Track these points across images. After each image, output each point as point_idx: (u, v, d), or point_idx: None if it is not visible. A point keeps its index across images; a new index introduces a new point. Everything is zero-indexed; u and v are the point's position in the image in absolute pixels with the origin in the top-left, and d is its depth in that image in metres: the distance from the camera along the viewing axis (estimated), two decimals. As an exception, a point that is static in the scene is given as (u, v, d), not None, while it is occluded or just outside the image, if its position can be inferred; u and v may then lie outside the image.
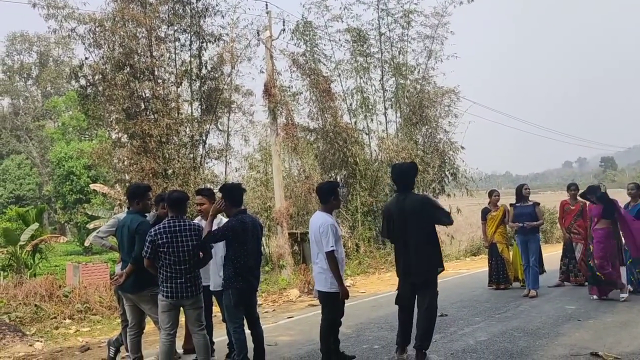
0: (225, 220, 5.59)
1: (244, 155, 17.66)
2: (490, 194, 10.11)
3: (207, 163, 14.92)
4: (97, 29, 13.11)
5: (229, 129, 15.65)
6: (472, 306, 8.32)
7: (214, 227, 5.33)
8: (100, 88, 13.31)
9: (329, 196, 5.49)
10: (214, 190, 6.35)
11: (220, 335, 6.43)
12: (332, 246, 5.23)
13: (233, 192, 5.42)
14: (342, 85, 18.00)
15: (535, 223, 8.92)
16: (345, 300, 5.47)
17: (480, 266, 12.79)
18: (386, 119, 18.16)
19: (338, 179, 17.56)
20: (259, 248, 5.43)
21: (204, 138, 14.55)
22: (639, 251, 8.84)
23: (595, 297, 8.37)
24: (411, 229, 5.44)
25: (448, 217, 5.67)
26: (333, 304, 5.38)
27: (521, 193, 9.18)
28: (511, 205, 9.43)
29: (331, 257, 5.24)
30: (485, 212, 9.99)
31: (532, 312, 7.62)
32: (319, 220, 5.39)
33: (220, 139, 15.49)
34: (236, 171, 17.04)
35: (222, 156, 15.17)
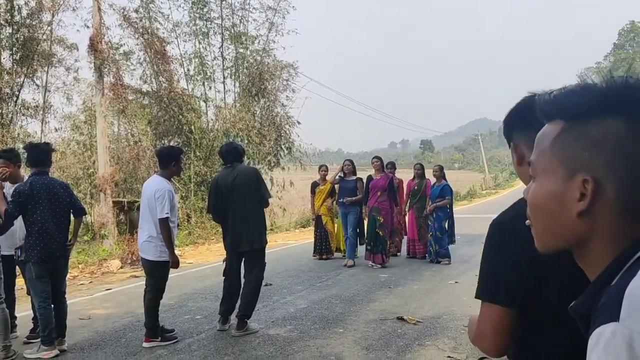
0: None
1: (66, 114, 16.14)
2: (319, 168, 10.55)
3: (19, 121, 13.35)
4: None
5: (48, 85, 14.15)
6: (296, 275, 8.64)
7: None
8: None
9: (169, 161, 5.26)
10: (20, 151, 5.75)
11: (25, 310, 5.86)
12: (167, 213, 5.03)
13: (33, 151, 5.02)
14: (179, 49, 17.28)
15: (354, 198, 9.46)
16: (171, 271, 5.32)
17: (308, 237, 13.31)
18: (224, 88, 17.89)
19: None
20: (60, 212, 4.97)
21: (16, 92, 12.96)
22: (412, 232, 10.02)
23: (371, 264, 9.16)
24: (242, 199, 5.43)
25: (267, 198, 5.77)
26: (161, 274, 5.19)
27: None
28: (339, 176, 9.95)
29: (165, 224, 5.05)
30: (314, 186, 10.39)
31: (350, 281, 8.14)
32: (156, 184, 5.13)
33: (36, 95, 13.94)
34: (56, 131, 15.54)
35: (38, 114, 13.67)
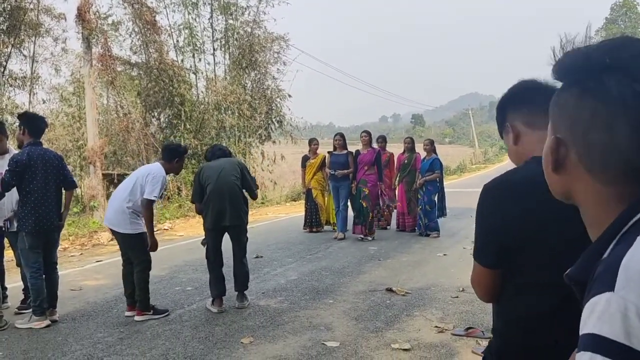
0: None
1: (54, 86, 15.92)
2: (310, 142, 10.49)
3: (6, 92, 13.15)
4: None
5: (36, 55, 13.91)
6: (287, 248, 8.68)
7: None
8: None
9: (173, 157, 5.29)
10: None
11: (15, 281, 5.87)
12: (155, 196, 5.05)
13: (34, 121, 5.05)
14: (168, 19, 17.02)
15: (345, 171, 9.44)
16: (162, 243, 5.33)
17: (298, 210, 13.35)
18: (214, 60, 17.70)
19: (162, 119, 16.79)
20: (55, 183, 4.97)
21: (3, 63, 12.74)
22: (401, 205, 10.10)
23: (361, 237, 9.20)
24: (229, 180, 5.40)
25: (254, 190, 5.80)
26: (139, 245, 5.16)
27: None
28: (329, 152, 9.92)
29: (149, 206, 5.06)
30: (304, 160, 10.37)
31: (340, 253, 8.20)
32: (156, 169, 5.15)
33: (24, 66, 13.71)
34: (43, 103, 15.34)
35: (26, 85, 13.47)
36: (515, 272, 1.44)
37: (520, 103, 1.54)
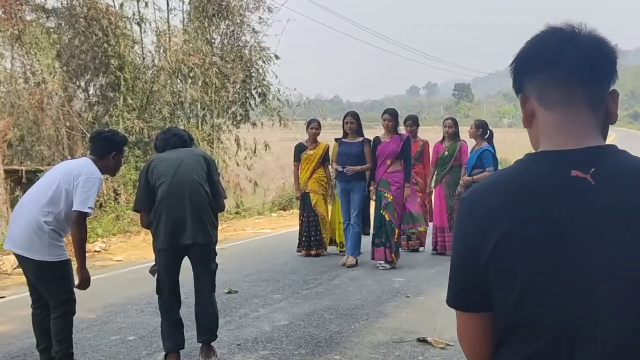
0: None
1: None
2: (308, 124, 10.42)
3: None
4: None
5: None
6: (273, 279, 8.70)
7: None
8: None
9: (108, 151, 5.26)
10: None
11: None
12: (90, 207, 5.00)
13: None
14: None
15: (359, 167, 9.41)
16: (93, 272, 5.30)
17: (290, 224, 13.40)
18: (168, 5, 17.67)
19: (91, 91, 16.80)
20: None
21: None
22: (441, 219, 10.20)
23: (381, 264, 9.23)
24: (187, 176, 5.40)
25: (222, 195, 5.88)
26: (65, 280, 5.11)
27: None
28: (336, 140, 9.87)
29: (82, 221, 5.02)
30: (299, 150, 10.33)
31: (350, 287, 8.21)
32: (87, 167, 5.08)
33: None
34: None
35: None
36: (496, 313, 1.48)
37: (536, 67, 1.53)
